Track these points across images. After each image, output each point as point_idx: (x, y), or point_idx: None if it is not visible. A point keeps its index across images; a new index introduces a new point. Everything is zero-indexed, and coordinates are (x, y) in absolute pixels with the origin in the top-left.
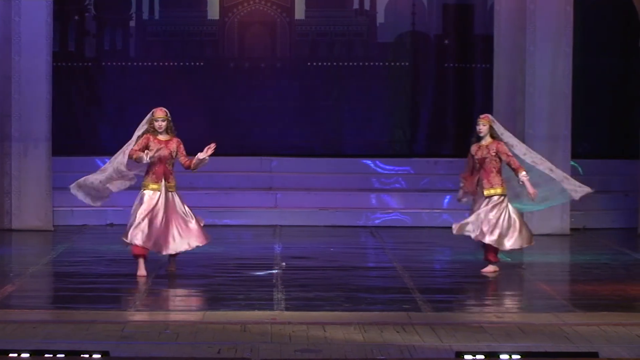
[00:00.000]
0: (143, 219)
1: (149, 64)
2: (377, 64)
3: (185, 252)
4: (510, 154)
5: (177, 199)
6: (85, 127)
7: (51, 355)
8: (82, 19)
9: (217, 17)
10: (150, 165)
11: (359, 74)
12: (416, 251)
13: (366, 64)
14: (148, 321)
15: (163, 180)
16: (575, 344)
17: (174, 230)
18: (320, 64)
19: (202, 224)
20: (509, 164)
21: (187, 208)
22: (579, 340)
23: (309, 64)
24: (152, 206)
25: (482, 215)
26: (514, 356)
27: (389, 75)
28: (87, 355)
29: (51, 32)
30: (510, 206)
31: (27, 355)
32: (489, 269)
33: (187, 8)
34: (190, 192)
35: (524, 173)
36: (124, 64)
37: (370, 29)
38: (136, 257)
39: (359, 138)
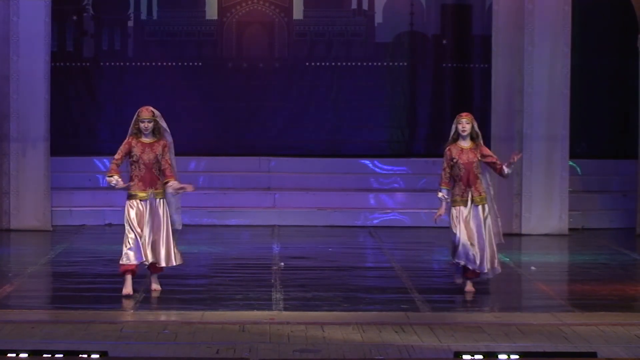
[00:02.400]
0: (132, 240)
1: (147, 64)
2: (375, 64)
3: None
4: (493, 154)
5: (164, 209)
6: (83, 127)
7: (50, 356)
8: (80, 19)
9: (215, 17)
10: (135, 170)
11: (357, 74)
12: (414, 251)
13: (364, 64)
14: (146, 321)
15: (150, 188)
16: (574, 344)
17: (159, 242)
18: (318, 64)
19: (174, 244)
20: (494, 165)
21: (169, 223)
22: (577, 340)
23: (307, 64)
24: (138, 222)
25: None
26: (512, 356)
27: (387, 75)
28: (85, 356)
29: (49, 32)
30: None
31: (26, 355)
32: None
33: (185, 8)
34: (188, 193)
35: (508, 168)
36: (122, 64)
37: (369, 29)
38: (124, 273)
39: (357, 138)
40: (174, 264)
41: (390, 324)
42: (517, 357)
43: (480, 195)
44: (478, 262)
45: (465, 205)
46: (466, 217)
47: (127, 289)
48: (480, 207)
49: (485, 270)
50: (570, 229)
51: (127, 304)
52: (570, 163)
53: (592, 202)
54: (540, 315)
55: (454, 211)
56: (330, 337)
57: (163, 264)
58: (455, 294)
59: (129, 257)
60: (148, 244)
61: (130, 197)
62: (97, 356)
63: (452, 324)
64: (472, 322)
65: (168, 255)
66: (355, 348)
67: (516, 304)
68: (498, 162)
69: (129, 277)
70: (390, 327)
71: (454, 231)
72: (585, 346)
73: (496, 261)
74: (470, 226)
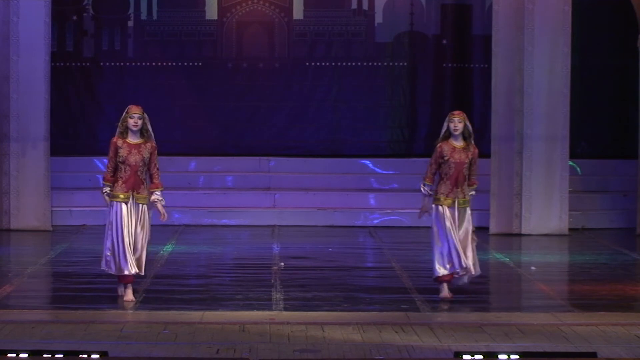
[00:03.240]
0: (116, 247)
1: (147, 64)
2: (375, 64)
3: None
4: (476, 165)
5: (145, 215)
6: (83, 127)
7: (50, 356)
8: (80, 19)
9: (215, 17)
10: (120, 172)
11: (357, 74)
12: (414, 251)
13: (364, 64)
14: (146, 321)
15: (132, 191)
16: (574, 344)
17: (142, 250)
18: (318, 64)
19: (144, 254)
20: (470, 174)
21: (147, 230)
22: (577, 340)
23: (307, 64)
24: (120, 226)
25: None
26: (512, 356)
27: (387, 75)
28: (85, 356)
29: (49, 33)
30: None
31: (26, 355)
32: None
33: (185, 8)
34: (188, 192)
35: (473, 190)
36: (122, 64)
37: (369, 29)
38: (124, 284)
39: (357, 138)
40: (142, 272)
41: (391, 324)
42: (517, 357)
43: (464, 197)
44: (457, 264)
45: (450, 206)
46: (449, 217)
47: (129, 296)
48: (463, 209)
49: (463, 272)
50: (570, 229)
51: (127, 304)
52: (570, 163)
53: (592, 202)
54: (541, 315)
55: (435, 209)
56: (331, 337)
57: (134, 272)
58: (456, 294)
59: (114, 267)
60: (130, 252)
61: (112, 196)
62: (97, 356)
63: (452, 324)
64: (472, 322)
65: (140, 263)
66: (356, 348)
67: (516, 304)
68: (473, 174)
69: (129, 286)
70: (391, 327)
71: (435, 237)
72: (585, 346)
73: (476, 264)
74: (451, 227)
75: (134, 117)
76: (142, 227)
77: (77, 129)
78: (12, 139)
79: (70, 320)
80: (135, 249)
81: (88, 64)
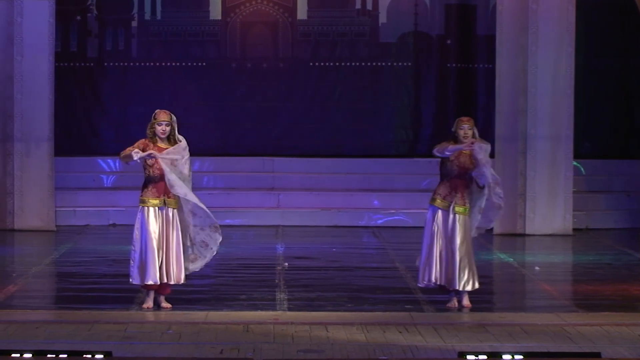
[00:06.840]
0: (143, 255)
1: (151, 64)
2: (379, 64)
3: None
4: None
5: (177, 221)
6: (87, 127)
7: (54, 356)
8: (84, 19)
9: (219, 17)
10: (149, 175)
11: (361, 74)
12: (418, 251)
13: (368, 64)
14: (151, 321)
15: (164, 195)
16: (578, 344)
17: (173, 258)
18: (322, 64)
19: (175, 262)
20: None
21: (181, 235)
22: (581, 340)
23: (311, 64)
24: (151, 234)
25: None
26: (516, 356)
27: (391, 76)
28: (89, 356)
29: (53, 33)
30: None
31: (30, 355)
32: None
33: (189, 8)
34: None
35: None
36: (126, 64)
37: (373, 29)
38: (146, 289)
39: (361, 138)
40: (181, 282)
41: (394, 324)
42: (521, 357)
43: (464, 205)
44: (444, 277)
45: (446, 209)
46: (442, 224)
47: (149, 303)
48: (460, 217)
49: (459, 288)
50: (574, 229)
51: (132, 304)
52: (574, 163)
53: (596, 202)
54: (544, 315)
55: (430, 212)
56: (334, 337)
57: (172, 282)
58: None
59: (138, 276)
60: (159, 262)
61: (142, 202)
62: (101, 356)
63: (456, 324)
64: (476, 322)
65: (179, 272)
66: (359, 348)
67: (520, 304)
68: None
69: (151, 293)
70: (394, 327)
71: (424, 240)
72: (589, 346)
73: (470, 279)
74: (443, 236)
75: (162, 124)
76: (177, 235)
77: (81, 129)
78: (15, 139)
79: (74, 321)
80: (168, 257)
81: (92, 64)
